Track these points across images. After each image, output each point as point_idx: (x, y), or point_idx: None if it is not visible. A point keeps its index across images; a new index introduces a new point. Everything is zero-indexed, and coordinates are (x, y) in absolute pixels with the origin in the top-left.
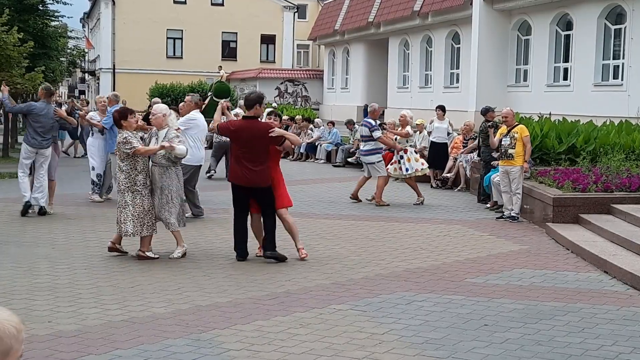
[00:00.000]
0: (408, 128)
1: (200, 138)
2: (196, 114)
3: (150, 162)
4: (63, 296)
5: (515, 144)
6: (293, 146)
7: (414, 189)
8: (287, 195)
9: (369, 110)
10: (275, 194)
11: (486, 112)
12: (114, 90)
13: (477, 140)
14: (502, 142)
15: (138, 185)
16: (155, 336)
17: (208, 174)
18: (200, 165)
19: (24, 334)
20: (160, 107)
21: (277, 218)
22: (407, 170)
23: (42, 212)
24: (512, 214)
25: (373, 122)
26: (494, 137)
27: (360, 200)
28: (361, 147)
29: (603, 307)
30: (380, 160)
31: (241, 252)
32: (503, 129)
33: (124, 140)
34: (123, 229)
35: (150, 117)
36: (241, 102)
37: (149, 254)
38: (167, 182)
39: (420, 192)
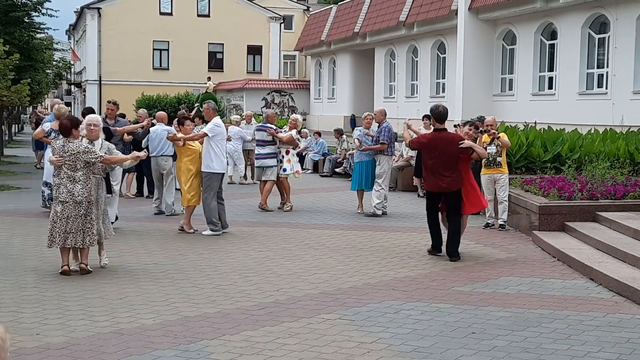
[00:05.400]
0: (293, 132)
1: (223, 145)
2: (219, 120)
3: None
4: (51, 308)
5: (501, 151)
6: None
7: (285, 193)
8: (479, 200)
9: (264, 115)
10: (465, 199)
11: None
12: (100, 102)
13: None
14: (488, 150)
15: (92, 195)
16: (143, 347)
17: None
18: (223, 174)
19: (8, 343)
20: (97, 118)
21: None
22: (284, 170)
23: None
24: (500, 222)
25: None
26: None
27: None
28: (260, 151)
29: (589, 314)
30: (275, 165)
31: (436, 243)
32: (486, 137)
33: (86, 150)
34: (92, 237)
35: (87, 128)
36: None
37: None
38: (101, 193)
39: (289, 198)
